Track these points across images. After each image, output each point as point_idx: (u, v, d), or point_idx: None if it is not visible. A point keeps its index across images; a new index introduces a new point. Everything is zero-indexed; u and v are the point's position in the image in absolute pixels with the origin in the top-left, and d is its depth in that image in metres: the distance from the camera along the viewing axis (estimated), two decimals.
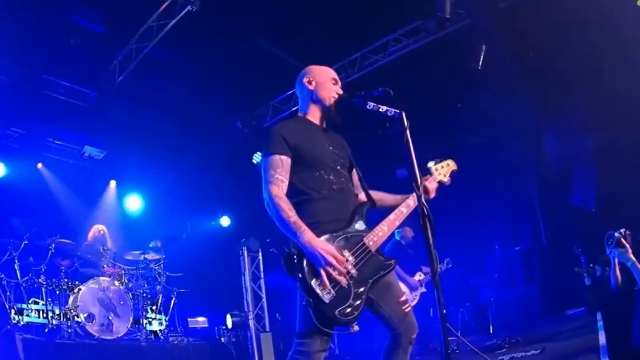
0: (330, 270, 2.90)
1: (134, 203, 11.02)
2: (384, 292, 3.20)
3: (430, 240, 2.98)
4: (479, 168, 9.54)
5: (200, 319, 10.39)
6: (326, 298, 2.89)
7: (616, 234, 5.60)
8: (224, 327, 10.29)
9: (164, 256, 9.49)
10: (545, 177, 10.05)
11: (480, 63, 8.05)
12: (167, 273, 9.48)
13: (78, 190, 10.12)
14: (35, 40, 7.65)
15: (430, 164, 3.63)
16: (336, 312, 2.90)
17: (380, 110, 3.26)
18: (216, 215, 12.30)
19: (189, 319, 10.22)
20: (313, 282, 2.91)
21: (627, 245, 5.60)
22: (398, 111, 3.22)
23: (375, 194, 3.49)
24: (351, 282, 2.99)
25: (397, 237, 8.46)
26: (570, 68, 8.41)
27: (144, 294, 9.03)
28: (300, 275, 2.94)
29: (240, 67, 8.54)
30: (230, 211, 12.26)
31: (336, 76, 3.54)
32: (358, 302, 2.97)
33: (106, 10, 7.64)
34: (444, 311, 2.90)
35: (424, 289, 8.14)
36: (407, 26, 8.39)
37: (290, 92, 9.45)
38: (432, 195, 3.45)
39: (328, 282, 2.90)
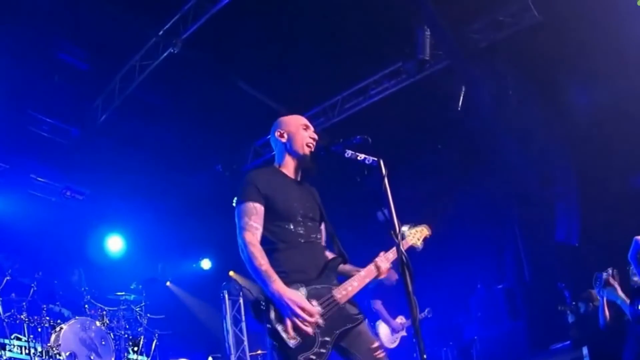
0: (297, 321, 2.92)
1: (116, 244, 10.93)
2: (355, 340, 3.20)
3: (410, 288, 3.01)
4: (460, 207, 9.57)
5: None
6: (291, 343, 2.92)
7: (604, 275, 5.66)
8: None
9: (145, 300, 9.45)
10: (527, 214, 10.07)
11: (460, 104, 8.15)
12: (149, 315, 9.43)
13: (61, 229, 9.93)
14: (20, 76, 7.65)
15: (404, 228, 3.69)
16: (300, 358, 2.92)
17: (359, 158, 3.29)
18: (197, 258, 12.30)
19: None
20: (279, 328, 2.95)
21: (615, 284, 5.66)
22: (376, 159, 3.26)
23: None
24: (318, 330, 3.02)
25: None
26: (552, 106, 8.51)
27: (126, 335, 8.96)
28: (266, 320, 2.99)
29: (221, 109, 8.58)
30: (212, 254, 12.24)
31: (306, 122, 3.57)
32: (323, 350, 3.00)
33: (91, 48, 7.67)
34: (424, 357, 2.92)
35: (404, 333, 8.14)
36: (387, 68, 8.47)
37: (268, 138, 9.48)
38: (384, 275, 3.45)
39: (292, 331, 2.93)
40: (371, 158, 3.30)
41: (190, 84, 8.17)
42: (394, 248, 3.53)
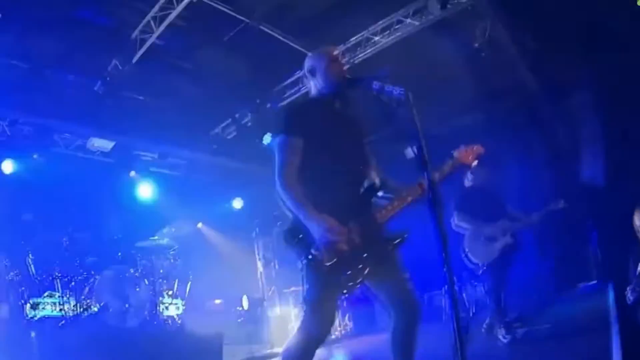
0: (330, 243, 3.00)
1: (146, 191, 10.96)
2: (388, 270, 3.29)
3: (439, 218, 3.05)
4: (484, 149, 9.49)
5: (217, 301, 10.50)
6: (327, 263, 3.02)
7: None
8: (240, 309, 10.40)
9: (177, 244, 9.60)
10: (554, 154, 10.00)
11: (482, 43, 8.03)
12: (182, 259, 9.60)
13: (90, 183, 9.88)
14: (38, 35, 7.61)
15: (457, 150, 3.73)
16: (339, 277, 3.05)
17: (386, 89, 3.29)
18: (228, 199, 12.31)
19: (205, 302, 10.33)
20: (314, 250, 3.04)
21: None
22: (403, 90, 3.26)
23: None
24: (355, 249, 3.09)
25: (468, 184, 7.19)
26: (572, 45, 8.34)
27: (160, 280, 9.12)
28: (302, 245, 3.08)
29: (244, 53, 8.49)
30: (243, 193, 12.25)
31: (335, 54, 3.59)
32: (360, 266, 3.10)
33: (109, 2, 7.60)
34: (455, 291, 2.98)
35: (508, 240, 6.70)
36: (410, 6, 8.30)
37: (295, 77, 9.44)
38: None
39: (327, 252, 3.01)
40: (399, 89, 3.30)
41: (211, 31, 8.08)
42: (444, 166, 3.60)
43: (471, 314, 7.96)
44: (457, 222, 6.91)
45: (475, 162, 3.74)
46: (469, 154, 3.72)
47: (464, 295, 8.52)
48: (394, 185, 3.52)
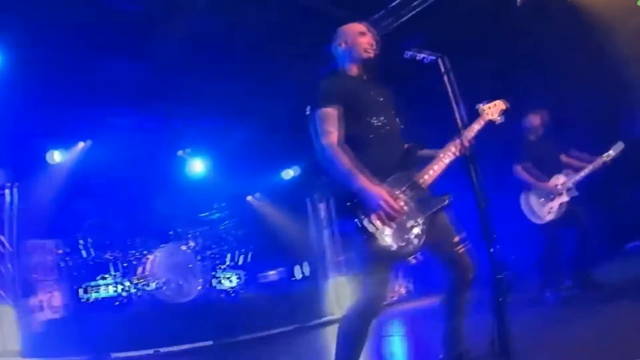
0: (383, 214, 3.02)
1: (197, 166, 11.08)
2: (439, 233, 3.30)
3: (475, 181, 3.12)
4: (530, 106, 9.39)
5: (271, 272, 10.69)
6: (381, 234, 3.04)
7: None
8: (294, 279, 10.50)
9: (229, 218, 9.75)
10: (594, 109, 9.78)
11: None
12: (234, 232, 9.81)
13: (139, 164, 9.97)
14: (80, 32, 7.70)
15: (479, 106, 3.70)
16: (393, 247, 3.06)
17: (418, 58, 3.37)
18: (280, 169, 12.33)
19: (259, 274, 10.52)
20: (367, 221, 3.04)
21: None
22: (434, 57, 3.33)
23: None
24: (405, 217, 3.12)
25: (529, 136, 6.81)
26: None
27: (213, 255, 9.29)
28: (355, 216, 3.08)
29: (286, 24, 8.40)
30: (296, 163, 12.23)
31: (363, 29, 3.63)
32: (413, 235, 3.12)
33: None
34: (492, 250, 3.09)
35: (564, 197, 6.32)
36: None
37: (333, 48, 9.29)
38: (466, 152, 3.42)
39: (381, 223, 3.03)
40: (430, 57, 3.36)
41: (250, 6, 8.05)
42: (474, 124, 3.58)
43: (514, 276, 7.82)
44: (517, 174, 6.61)
45: (500, 118, 3.67)
46: (492, 111, 3.68)
47: (506, 256, 8.45)
48: (428, 151, 3.54)
